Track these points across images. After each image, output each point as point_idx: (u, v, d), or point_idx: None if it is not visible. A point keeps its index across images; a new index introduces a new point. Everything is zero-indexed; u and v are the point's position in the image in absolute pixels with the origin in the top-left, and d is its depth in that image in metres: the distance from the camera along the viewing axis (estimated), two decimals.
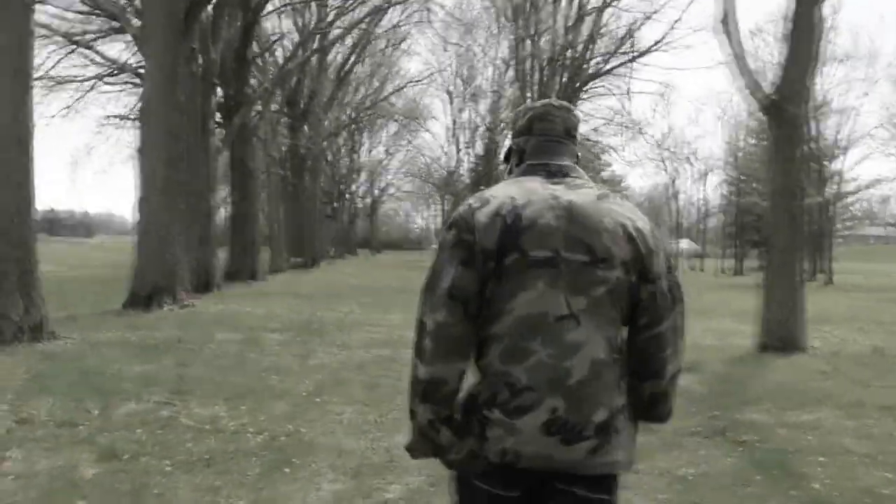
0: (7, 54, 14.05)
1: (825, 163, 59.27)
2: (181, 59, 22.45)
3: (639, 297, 2.97)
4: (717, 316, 23.26)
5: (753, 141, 76.65)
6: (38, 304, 14.27)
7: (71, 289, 26.90)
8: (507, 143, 3.40)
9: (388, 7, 46.92)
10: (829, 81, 57.25)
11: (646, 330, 2.99)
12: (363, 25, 48.85)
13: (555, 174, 3.10)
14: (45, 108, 68.17)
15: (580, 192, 3.03)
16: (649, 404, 3.09)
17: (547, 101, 3.35)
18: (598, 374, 2.86)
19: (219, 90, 33.75)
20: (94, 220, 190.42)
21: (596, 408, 2.85)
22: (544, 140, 3.21)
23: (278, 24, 49.81)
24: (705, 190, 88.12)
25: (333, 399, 10.25)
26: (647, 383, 3.04)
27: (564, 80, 50.23)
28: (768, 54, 50.34)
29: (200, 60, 28.02)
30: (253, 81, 39.11)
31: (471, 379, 2.97)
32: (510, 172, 3.28)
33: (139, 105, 23.33)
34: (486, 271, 2.87)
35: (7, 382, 10.65)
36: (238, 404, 9.71)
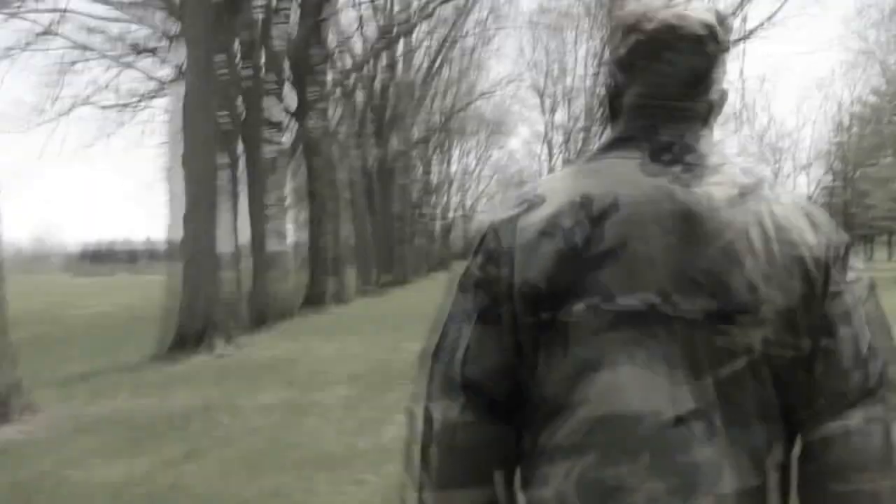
0: None
1: None
2: (218, 46, 18.69)
3: (809, 365, 1.71)
4: None
5: (856, 128, 73.63)
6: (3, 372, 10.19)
7: (122, 330, 23.34)
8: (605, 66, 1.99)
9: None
10: None
11: (820, 423, 1.70)
12: (438, 17, 46.08)
13: (662, 152, 1.80)
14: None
15: (707, 186, 1.75)
16: None
17: (664, 14, 1.83)
18: None
19: (285, 94, 30.46)
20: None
21: None
22: (649, 98, 1.85)
23: (355, 22, 46.53)
24: (808, 181, 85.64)
25: None
26: None
27: None
28: None
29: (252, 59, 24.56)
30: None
31: None
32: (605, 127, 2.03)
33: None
34: (530, 332, 1.74)
35: None
36: None
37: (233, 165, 24.80)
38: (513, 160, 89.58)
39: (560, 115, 76.09)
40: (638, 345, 1.68)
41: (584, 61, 70.21)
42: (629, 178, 1.77)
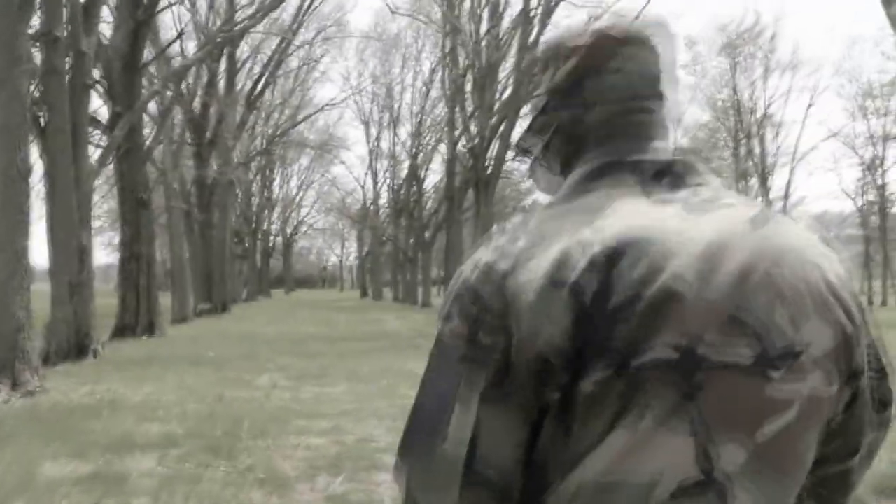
0: None
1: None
2: (23, 28, 15.71)
3: (837, 411, 1.56)
4: None
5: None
6: None
7: None
8: (533, 109, 1.82)
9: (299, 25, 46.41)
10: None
11: (828, 465, 1.62)
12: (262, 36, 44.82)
13: (656, 179, 1.61)
14: None
15: (720, 216, 1.54)
16: None
17: (603, 30, 1.73)
18: None
19: (102, 102, 28.02)
20: None
21: None
22: (621, 111, 1.70)
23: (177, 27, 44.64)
24: None
25: None
26: None
27: (506, 93, 44.34)
28: None
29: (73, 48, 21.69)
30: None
31: None
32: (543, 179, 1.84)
33: None
34: (535, 410, 1.48)
35: None
36: None
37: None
38: (336, 187, 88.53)
39: (385, 143, 76.04)
40: (654, 404, 1.39)
41: (411, 89, 70.49)
42: (631, 210, 1.51)
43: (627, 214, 1.50)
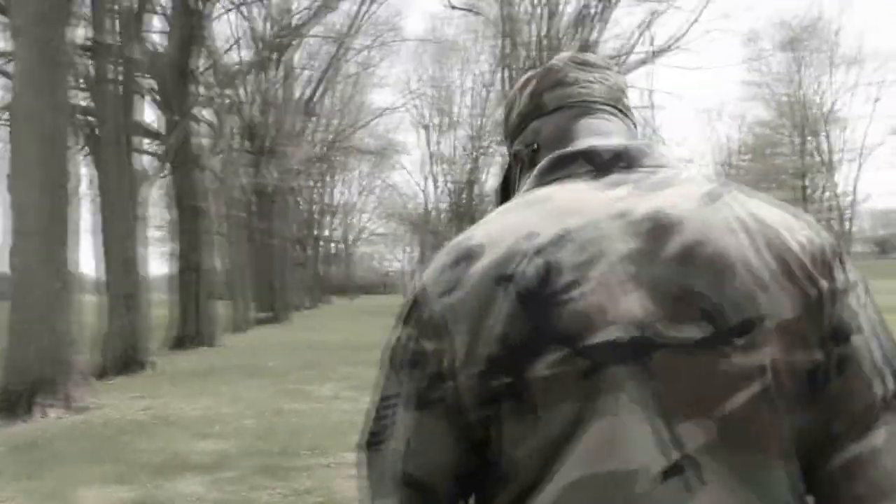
0: None
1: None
2: (63, 30, 15.07)
3: (822, 382, 1.44)
4: None
5: (748, 156, 74.15)
6: None
7: None
8: (502, 165, 1.86)
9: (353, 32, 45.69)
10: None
11: (841, 448, 1.44)
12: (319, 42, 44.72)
13: (609, 165, 1.58)
14: None
15: (671, 193, 1.51)
16: None
17: (560, 57, 1.83)
18: None
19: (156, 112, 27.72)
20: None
21: None
22: (574, 113, 1.72)
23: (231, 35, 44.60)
24: None
25: None
26: None
27: None
28: None
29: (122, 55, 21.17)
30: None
31: None
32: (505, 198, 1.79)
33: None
34: (484, 406, 1.44)
35: None
36: None
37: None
38: (396, 193, 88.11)
39: (444, 146, 75.48)
40: (618, 389, 1.37)
41: (469, 92, 69.95)
42: (579, 197, 1.52)
43: (574, 201, 1.49)
